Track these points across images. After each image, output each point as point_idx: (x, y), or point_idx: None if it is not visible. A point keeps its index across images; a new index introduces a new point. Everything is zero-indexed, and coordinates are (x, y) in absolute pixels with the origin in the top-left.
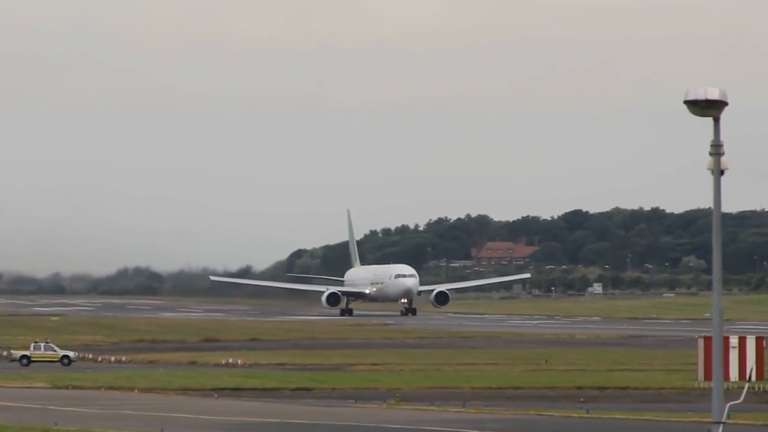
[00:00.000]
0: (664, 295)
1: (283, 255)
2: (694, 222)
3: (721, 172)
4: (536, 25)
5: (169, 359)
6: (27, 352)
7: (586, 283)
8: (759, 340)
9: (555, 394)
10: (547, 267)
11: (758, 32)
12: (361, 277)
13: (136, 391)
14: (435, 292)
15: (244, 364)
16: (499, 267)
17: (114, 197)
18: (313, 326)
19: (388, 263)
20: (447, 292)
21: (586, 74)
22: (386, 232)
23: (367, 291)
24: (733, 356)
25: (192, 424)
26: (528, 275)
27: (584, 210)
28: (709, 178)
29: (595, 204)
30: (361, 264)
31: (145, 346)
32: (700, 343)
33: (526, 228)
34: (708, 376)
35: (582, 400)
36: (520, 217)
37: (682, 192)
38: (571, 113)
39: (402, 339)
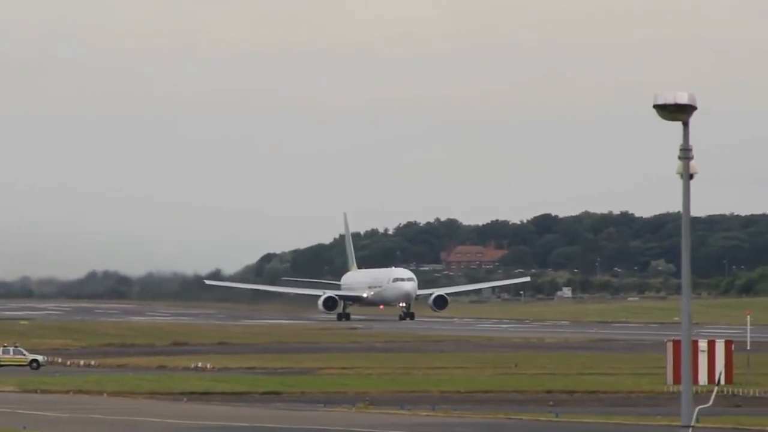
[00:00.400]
0: (629, 299)
1: (253, 258)
2: (663, 226)
3: (690, 176)
4: (504, 29)
5: (137, 363)
6: None
7: (555, 287)
8: (728, 343)
9: (524, 397)
10: (517, 271)
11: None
12: (358, 280)
13: (105, 395)
14: (434, 296)
15: (213, 368)
16: (469, 271)
17: (84, 200)
18: (281, 330)
19: (360, 267)
20: (446, 295)
21: (554, 79)
22: (356, 236)
23: (365, 295)
24: (702, 360)
25: (160, 428)
26: (527, 279)
27: (553, 214)
28: (679, 182)
29: (565, 208)
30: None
31: (113, 350)
32: (669, 346)
33: (495, 232)
34: (677, 380)
35: (551, 403)
36: (489, 221)
37: (651, 196)
38: (540, 118)
39: (370, 343)
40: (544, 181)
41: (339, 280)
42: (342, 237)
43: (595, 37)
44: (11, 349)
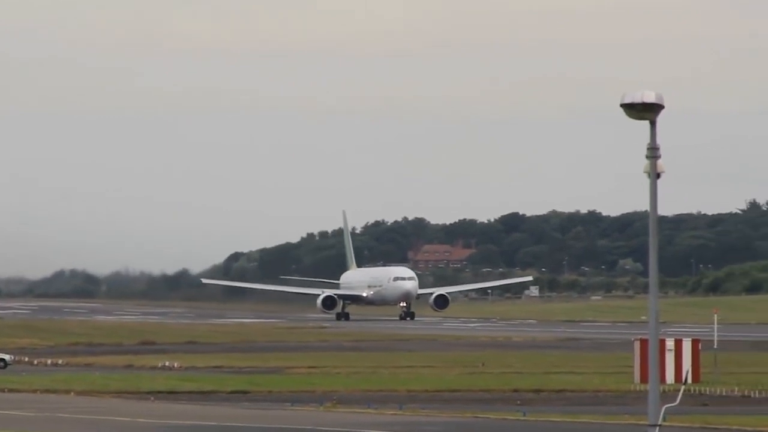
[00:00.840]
0: (592, 298)
1: (220, 258)
2: (630, 225)
3: (658, 176)
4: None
5: (105, 362)
6: None
7: (522, 286)
8: (695, 342)
9: (491, 396)
10: (484, 270)
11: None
12: (357, 279)
13: (72, 394)
14: (434, 295)
15: (181, 367)
16: (436, 270)
17: (52, 197)
18: (249, 329)
19: (327, 266)
20: (447, 295)
21: (524, 78)
22: (323, 235)
23: (365, 294)
24: (669, 359)
25: (128, 427)
26: (530, 278)
27: (521, 213)
28: (646, 182)
29: (532, 207)
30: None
31: (81, 349)
32: (637, 345)
33: (463, 231)
34: (644, 379)
35: (518, 402)
36: (457, 220)
37: (618, 195)
38: (507, 116)
39: (338, 342)
40: (512, 180)
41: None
42: (309, 236)
43: (581, 36)
44: None
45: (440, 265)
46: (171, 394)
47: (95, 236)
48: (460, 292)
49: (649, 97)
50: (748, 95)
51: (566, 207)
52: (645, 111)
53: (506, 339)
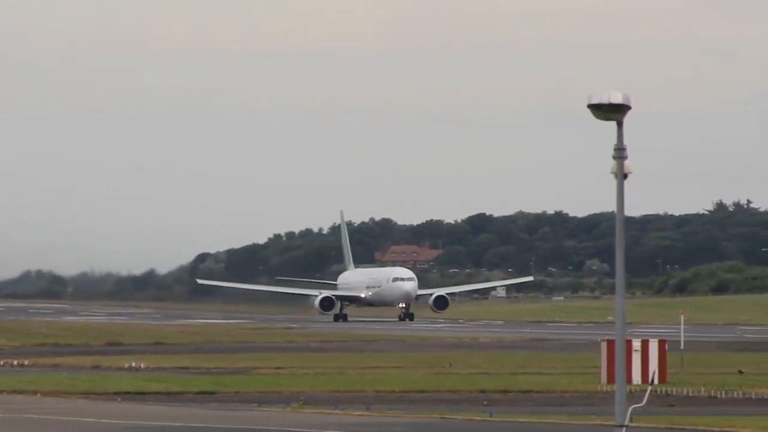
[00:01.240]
0: (554, 298)
1: (187, 258)
2: (597, 226)
3: (625, 176)
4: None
5: (72, 363)
6: None
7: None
8: (662, 343)
9: (458, 397)
10: (451, 270)
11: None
12: (356, 280)
13: (39, 395)
14: (434, 296)
15: (148, 367)
16: None
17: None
18: (216, 330)
19: (294, 267)
20: (446, 296)
21: (492, 77)
22: (290, 235)
23: (363, 295)
24: (636, 359)
25: (95, 428)
26: (531, 278)
27: (488, 214)
28: (613, 182)
29: (499, 208)
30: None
31: (48, 350)
32: (603, 346)
33: (430, 231)
34: (611, 379)
35: (485, 403)
36: (424, 221)
37: (585, 196)
38: (474, 117)
39: (306, 342)
40: (479, 180)
41: (273, 281)
42: (276, 236)
43: (550, 36)
44: None
45: (407, 266)
46: (138, 395)
47: (62, 237)
48: (460, 292)
49: (617, 98)
50: (715, 95)
51: (533, 208)
52: (612, 112)
53: (473, 339)
